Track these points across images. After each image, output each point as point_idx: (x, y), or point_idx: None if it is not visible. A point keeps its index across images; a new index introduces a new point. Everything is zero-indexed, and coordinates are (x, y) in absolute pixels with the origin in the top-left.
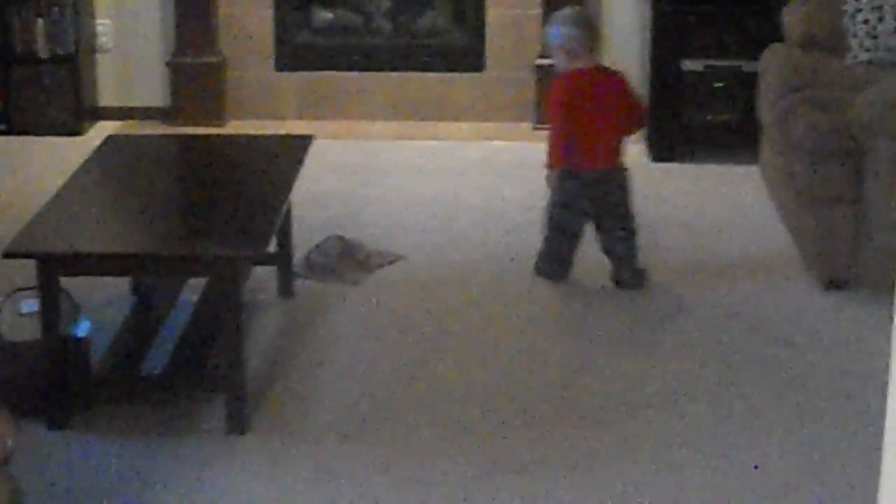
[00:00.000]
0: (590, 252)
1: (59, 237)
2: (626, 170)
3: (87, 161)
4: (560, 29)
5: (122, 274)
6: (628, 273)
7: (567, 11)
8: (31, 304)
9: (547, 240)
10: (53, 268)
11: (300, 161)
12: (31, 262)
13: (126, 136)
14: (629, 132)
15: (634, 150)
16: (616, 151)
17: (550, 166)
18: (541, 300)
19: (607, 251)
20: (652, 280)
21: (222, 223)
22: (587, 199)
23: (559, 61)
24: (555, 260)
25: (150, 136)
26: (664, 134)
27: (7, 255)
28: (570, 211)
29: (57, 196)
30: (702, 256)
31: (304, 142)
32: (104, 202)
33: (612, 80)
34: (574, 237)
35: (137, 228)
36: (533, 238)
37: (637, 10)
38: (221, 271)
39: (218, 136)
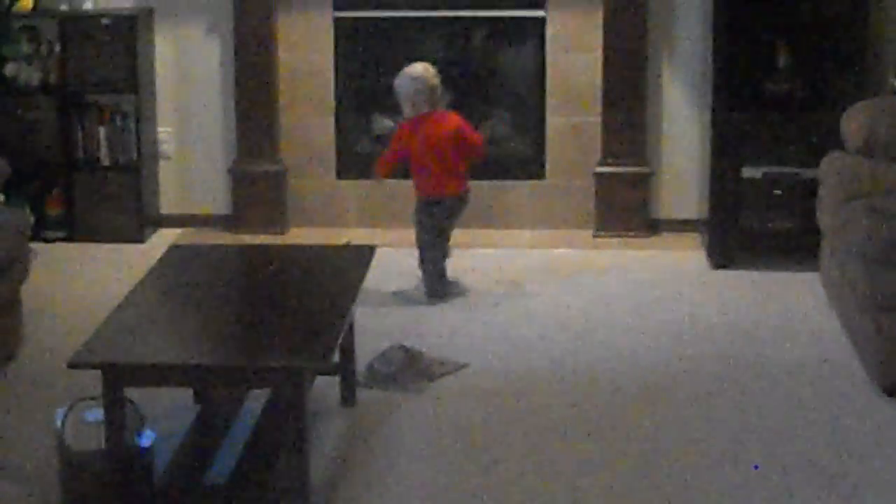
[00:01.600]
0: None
1: (123, 347)
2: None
3: (150, 271)
4: (408, 83)
5: (186, 384)
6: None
7: (417, 68)
8: (95, 414)
9: (428, 263)
10: (118, 378)
11: (364, 271)
12: (97, 371)
13: (189, 245)
14: (470, 161)
15: (693, 257)
16: (464, 178)
17: (418, 194)
18: (603, 410)
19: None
20: (711, 387)
21: (286, 334)
22: (449, 219)
23: (406, 110)
24: (440, 279)
25: (214, 246)
26: (724, 240)
27: (72, 366)
28: (439, 232)
29: (121, 306)
30: (761, 363)
31: (367, 252)
32: (168, 312)
33: (447, 121)
34: (445, 256)
35: (201, 339)
36: (595, 345)
37: (697, 116)
38: (285, 382)
39: (281, 246)
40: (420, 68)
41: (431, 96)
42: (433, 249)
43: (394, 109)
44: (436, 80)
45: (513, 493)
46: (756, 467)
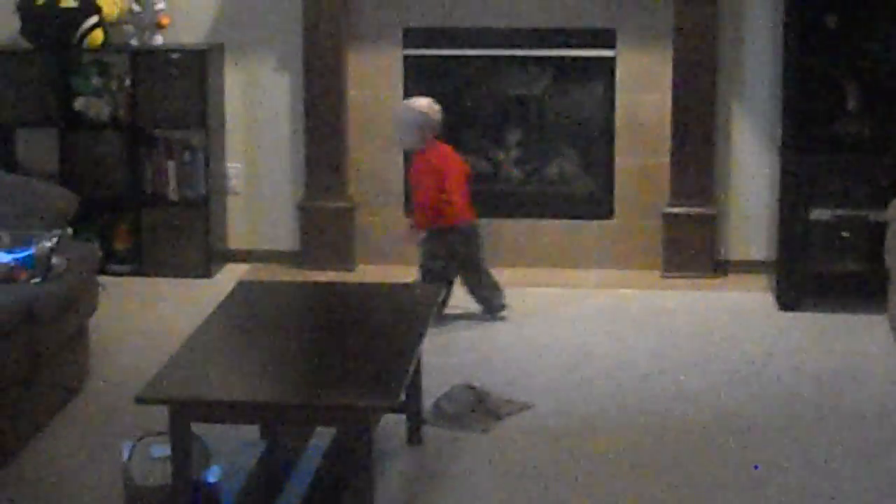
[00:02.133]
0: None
1: (191, 383)
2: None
3: (218, 306)
4: (419, 113)
5: (252, 421)
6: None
7: (424, 101)
8: (161, 449)
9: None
10: (185, 414)
11: (431, 311)
12: (163, 406)
13: (257, 282)
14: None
15: (761, 299)
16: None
17: (427, 226)
18: (669, 452)
19: (472, 291)
20: (777, 429)
21: (354, 372)
22: (463, 247)
23: (413, 139)
24: (441, 308)
25: (282, 283)
26: (792, 282)
27: (140, 401)
28: (451, 260)
29: (189, 341)
30: (828, 405)
31: (435, 291)
32: (235, 348)
33: (450, 149)
34: (451, 284)
35: (269, 376)
36: (661, 387)
37: (766, 158)
38: (352, 421)
39: (349, 283)
40: (427, 101)
41: (437, 127)
42: (441, 279)
43: (463, 147)
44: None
45: None
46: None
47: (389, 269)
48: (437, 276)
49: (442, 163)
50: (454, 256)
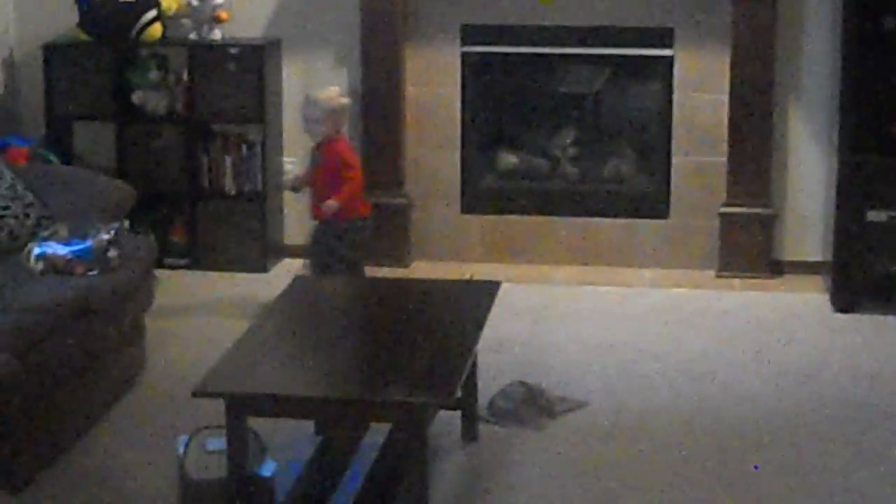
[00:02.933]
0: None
1: (247, 378)
2: None
3: (274, 301)
4: (335, 102)
5: (308, 417)
6: None
7: (334, 89)
8: (217, 443)
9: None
10: (241, 408)
11: (488, 307)
12: (219, 400)
13: (313, 277)
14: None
15: (817, 300)
16: None
17: (332, 216)
18: (723, 451)
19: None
20: (831, 431)
21: (409, 369)
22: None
23: (326, 128)
24: None
25: (337, 279)
26: (848, 284)
27: (197, 394)
28: (352, 252)
29: (245, 336)
30: (883, 408)
31: (491, 288)
32: (292, 343)
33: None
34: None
35: (325, 371)
36: (716, 386)
37: (823, 158)
38: (408, 417)
39: (405, 280)
40: (337, 90)
41: (348, 117)
42: (352, 268)
43: (520, 145)
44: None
45: None
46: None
47: (444, 265)
48: (336, 268)
49: (352, 154)
50: (355, 249)
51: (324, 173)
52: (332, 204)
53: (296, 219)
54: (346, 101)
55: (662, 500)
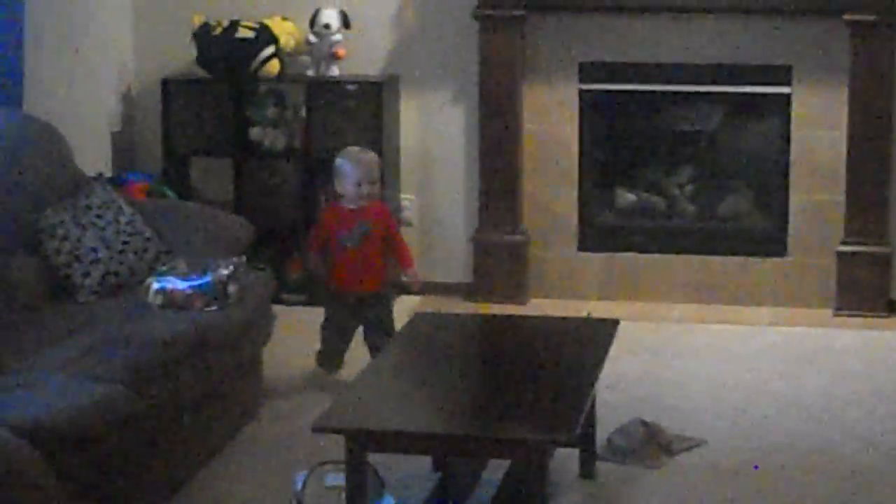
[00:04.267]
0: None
1: (367, 414)
2: None
3: (394, 337)
4: (375, 164)
5: (428, 453)
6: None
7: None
8: (335, 479)
9: None
10: (361, 444)
11: (607, 345)
12: (338, 436)
13: (432, 313)
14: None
15: None
16: None
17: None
18: (842, 492)
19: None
20: None
21: (529, 406)
22: None
23: (363, 191)
24: None
25: (457, 315)
26: None
27: (317, 430)
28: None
29: (365, 371)
30: None
31: (610, 326)
32: (411, 379)
33: None
34: None
35: (444, 407)
36: (834, 426)
37: None
38: (528, 454)
39: (524, 317)
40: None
41: None
42: None
43: (637, 183)
44: None
45: None
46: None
47: (561, 303)
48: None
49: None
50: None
51: (374, 238)
52: (415, 271)
53: (413, 255)
54: None
55: None
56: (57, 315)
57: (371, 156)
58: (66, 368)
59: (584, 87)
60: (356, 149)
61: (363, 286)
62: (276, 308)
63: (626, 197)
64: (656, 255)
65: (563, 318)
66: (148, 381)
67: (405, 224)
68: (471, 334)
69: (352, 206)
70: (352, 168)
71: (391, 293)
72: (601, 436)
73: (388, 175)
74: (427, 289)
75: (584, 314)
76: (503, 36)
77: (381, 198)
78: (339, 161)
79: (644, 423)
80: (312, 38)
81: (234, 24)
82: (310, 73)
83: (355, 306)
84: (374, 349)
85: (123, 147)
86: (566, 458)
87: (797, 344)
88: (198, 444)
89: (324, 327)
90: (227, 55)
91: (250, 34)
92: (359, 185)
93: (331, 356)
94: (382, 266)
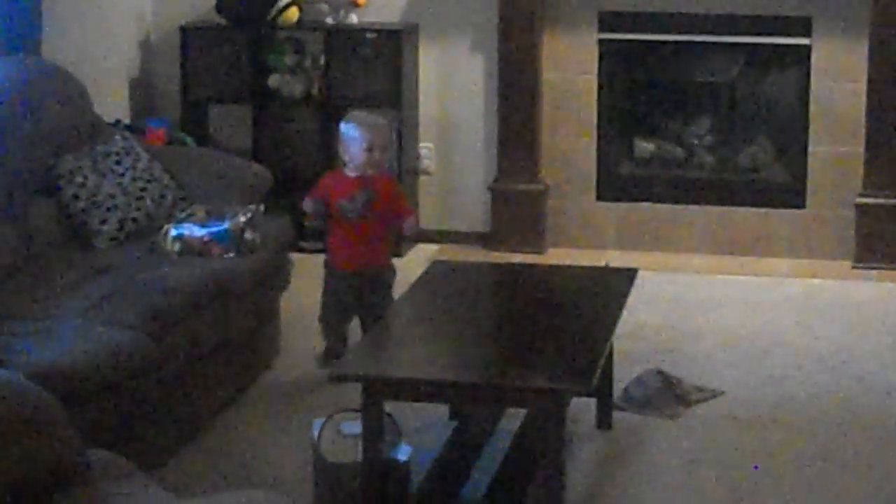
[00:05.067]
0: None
1: (384, 362)
2: None
3: (412, 286)
4: (388, 128)
5: (445, 401)
6: None
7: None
8: (352, 426)
9: None
10: (378, 392)
11: (625, 295)
12: (354, 384)
13: (450, 261)
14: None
15: None
16: None
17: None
18: (858, 445)
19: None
20: None
21: (546, 355)
22: None
23: (376, 158)
24: None
25: (475, 263)
26: None
27: (333, 378)
28: None
29: (382, 320)
30: None
31: (628, 275)
32: (429, 328)
33: None
34: None
35: (462, 356)
36: (851, 379)
37: None
38: (545, 404)
39: (541, 266)
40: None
41: None
42: None
43: (656, 133)
44: None
45: None
46: (756, 468)
47: (579, 253)
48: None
49: None
50: None
51: (380, 209)
52: (413, 222)
53: (431, 204)
54: None
55: (796, 490)
56: (74, 261)
57: (382, 120)
58: (84, 315)
59: (604, 36)
60: (363, 112)
61: (365, 262)
62: (294, 255)
63: (645, 147)
64: (674, 206)
65: (582, 268)
66: (165, 327)
67: (423, 173)
68: (488, 283)
69: (355, 175)
70: (362, 132)
71: (393, 275)
72: (618, 386)
73: (405, 123)
74: (445, 237)
75: (601, 264)
76: None
77: (390, 168)
78: (345, 126)
79: (661, 374)
80: None
81: None
82: (329, 20)
83: (355, 286)
84: None
85: (142, 94)
86: (583, 408)
87: (815, 296)
88: (215, 391)
89: (323, 313)
90: (246, 2)
91: None
92: (370, 150)
93: (335, 347)
94: (386, 242)
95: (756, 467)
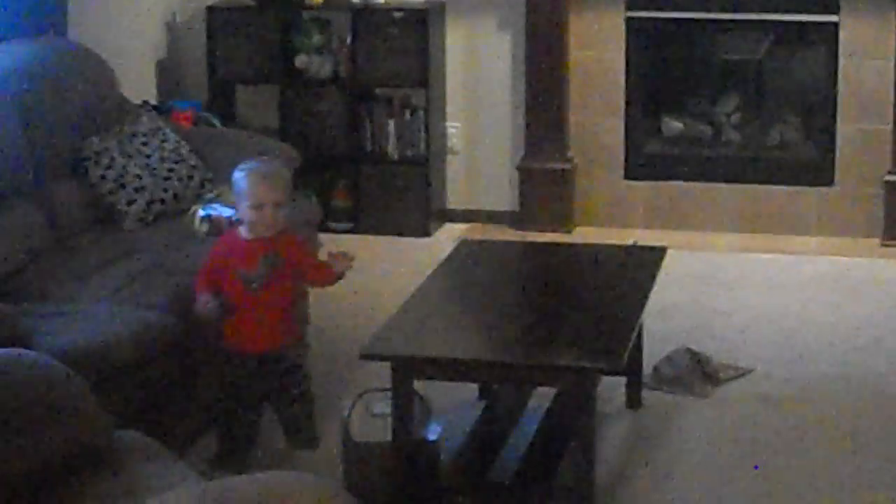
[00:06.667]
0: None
1: (414, 341)
2: None
3: (440, 265)
4: (286, 176)
5: (475, 380)
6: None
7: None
8: (382, 406)
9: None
10: (408, 371)
11: (654, 273)
12: (382, 364)
13: (479, 240)
14: None
15: None
16: None
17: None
18: (889, 422)
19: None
20: None
21: (577, 333)
22: None
23: (274, 216)
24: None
25: (503, 242)
26: None
27: (364, 357)
28: None
29: (411, 299)
30: None
31: (657, 254)
32: (458, 307)
33: None
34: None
35: (491, 335)
36: (881, 356)
37: None
38: (575, 382)
39: (570, 245)
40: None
41: None
42: None
43: (684, 111)
44: None
45: (797, 501)
46: (756, 467)
47: (607, 231)
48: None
49: None
50: None
51: (284, 278)
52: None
53: (459, 183)
54: None
55: (825, 468)
56: (101, 242)
57: (277, 168)
58: (111, 296)
59: (632, 14)
60: (254, 162)
61: (271, 340)
62: (322, 236)
63: (673, 125)
64: (703, 184)
65: (611, 246)
66: (192, 309)
67: (450, 153)
68: (517, 262)
69: (251, 237)
70: (248, 187)
71: (305, 352)
72: (648, 365)
73: (433, 103)
74: (472, 216)
75: (630, 242)
76: None
77: (291, 225)
78: (235, 175)
79: (691, 352)
80: None
81: None
82: (355, 0)
83: (258, 371)
84: (291, 426)
85: (169, 75)
86: (613, 387)
87: (844, 274)
88: None
89: (218, 408)
90: None
91: None
92: (258, 208)
93: (236, 447)
94: (291, 316)
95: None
